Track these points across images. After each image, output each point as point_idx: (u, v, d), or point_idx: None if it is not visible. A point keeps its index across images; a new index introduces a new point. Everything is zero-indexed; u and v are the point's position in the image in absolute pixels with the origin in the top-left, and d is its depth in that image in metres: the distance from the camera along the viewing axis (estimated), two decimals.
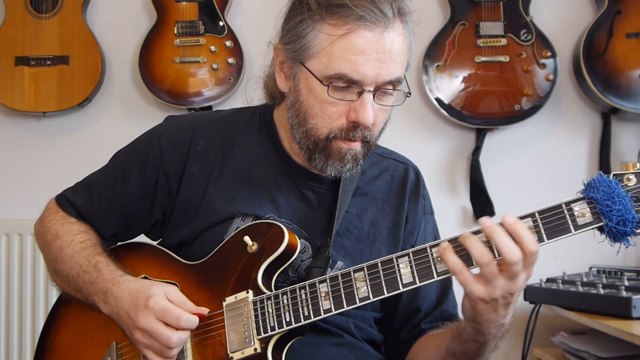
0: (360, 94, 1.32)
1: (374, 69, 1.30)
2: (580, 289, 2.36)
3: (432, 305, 1.54)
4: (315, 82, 1.33)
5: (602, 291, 2.25)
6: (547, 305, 2.57)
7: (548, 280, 2.56)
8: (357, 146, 1.38)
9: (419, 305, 1.52)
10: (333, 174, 1.41)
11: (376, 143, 1.43)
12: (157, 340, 1.30)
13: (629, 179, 1.19)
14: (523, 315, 2.74)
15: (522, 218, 1.20)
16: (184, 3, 2.85)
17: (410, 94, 1.39)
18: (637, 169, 1.20)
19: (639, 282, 2.28)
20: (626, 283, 2.24)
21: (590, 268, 2.68)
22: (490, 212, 2.83)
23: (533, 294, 2.58)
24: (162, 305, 1.31)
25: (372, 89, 1.32)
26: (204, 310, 1.35)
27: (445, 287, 1.55)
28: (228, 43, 2.84)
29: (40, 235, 1.58)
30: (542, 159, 2.95)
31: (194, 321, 1.32)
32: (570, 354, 2.42)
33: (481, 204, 2.86)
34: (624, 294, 2.16)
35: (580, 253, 2.76)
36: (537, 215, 1.19)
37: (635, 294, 2.13)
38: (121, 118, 2.97)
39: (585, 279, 2.46)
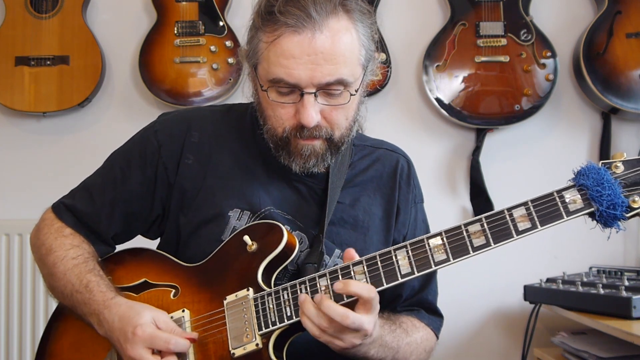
0: (302, 95, 1.34)
1: (307, 71, 1.31)
2: (580, 289, 2.36)
3: (413, 293, 1.57)
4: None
5: (602, 291, 2.25)
6: (547, 305, 2.57)
7: (548, 280, 2.56)
8: (315, 143, 1.39)
9: (401, 292, 1.56)
10: (299, 170, 1.43)
11: (346, 140, 1.43)
12: None
13: (617, 167, 1.24)
14: (523, 315, 2.74)
15: (515, 207, 1.25)
16: (184, 3, 2.85)
17: (355, 93, 1.38)
18: (625, 158, 1.25)
19: (639, 282, 2.29)
20: (626, 283, 2.24)
21: (590, 268, 2.68)
22: (490, 211, 2.82)
23: (533, 294, 2.58)
24: (149, 332, 1.32)
25: (312, 91, 1.33)
26: (194, 335, 1.36)
27: (429, 275, 1.57)
28: (228, 43, 2.84)
29: (36, 248, 1.56)
30: (542, 159, 2.95)
31: (184, 344, 1.33)
32: (570, 354, 2.42)
33: (481, 204, 2.86)
34: (624, 294, 2.17)
35: (580, 253, 2.76)
36: (529, 203, 1.25)
37: (635, 294, 2.13)
38: (121, 118, 2.97)
39: (585, 279, 2.46)
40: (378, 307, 1.29)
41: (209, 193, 1.48)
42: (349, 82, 1.35)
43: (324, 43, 1.30)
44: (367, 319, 1.26)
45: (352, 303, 1.27)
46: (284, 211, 1.47)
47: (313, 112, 1.34)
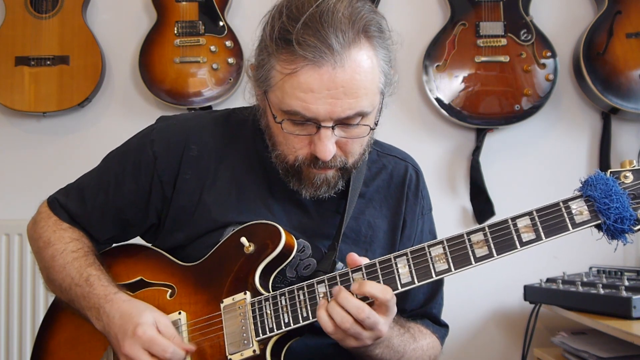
0: (318, 128, 1.28)
1: (326, 106, 1.24)
2: (580, 289, 2.36)
3: (418, 306, 1.55)
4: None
5: (602, 291, 2.25)
6: (547, 305, 2.57)
7: (548, 280, 2.56)
8: (328, 172, 1.35)
9: (404, 306, 1.52)
10: (308, 197, 1.40)
11: (358, 165, 1.40)
12: None
13: (626, 177, 1.19)
14: (523, 315, 2.74)
15: (520, 217, 1.21)
16: (184, 3, 2.85)
17: (375, 126, 1.34)
18: (634, 166, 1.20)
19: (639, 282, 2.28)
20: (626, 283, 2.24)
21: (590, 268, 2.68)
22: (490, 212, 2.83)
23: (533, 294, 2.58)
24: (150, 335, 1.30)
25: (330, 125, 1.27)
26: (192, 347, 1.35)
27: (435, 289, 1.56)
28: (228, 43, 2.84)
29: (33, 240, 1.55)
30: (542, 159, 2.95)
31: (181, 355, 1.31)
32: (570, 354, 2.42)
33: (481, 204, 2.86)
34: (624, 294, 2.16)
35: (580, 253, 2.76)
36: (534, 213, 1.20)
37: (635, 294, 2.13)
38: (121, 118, 2.97)
39: (585, 279, 2.46)
40: (395, 310, 1.26)
41: (207, 209, 1.44)
42: (368, 112, 1.30)
43: (344, 77, 1.23)
44: (383, 320, 1.23)
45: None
46: (284, 225, 1.42)
47: (330, 145, 1.28)
